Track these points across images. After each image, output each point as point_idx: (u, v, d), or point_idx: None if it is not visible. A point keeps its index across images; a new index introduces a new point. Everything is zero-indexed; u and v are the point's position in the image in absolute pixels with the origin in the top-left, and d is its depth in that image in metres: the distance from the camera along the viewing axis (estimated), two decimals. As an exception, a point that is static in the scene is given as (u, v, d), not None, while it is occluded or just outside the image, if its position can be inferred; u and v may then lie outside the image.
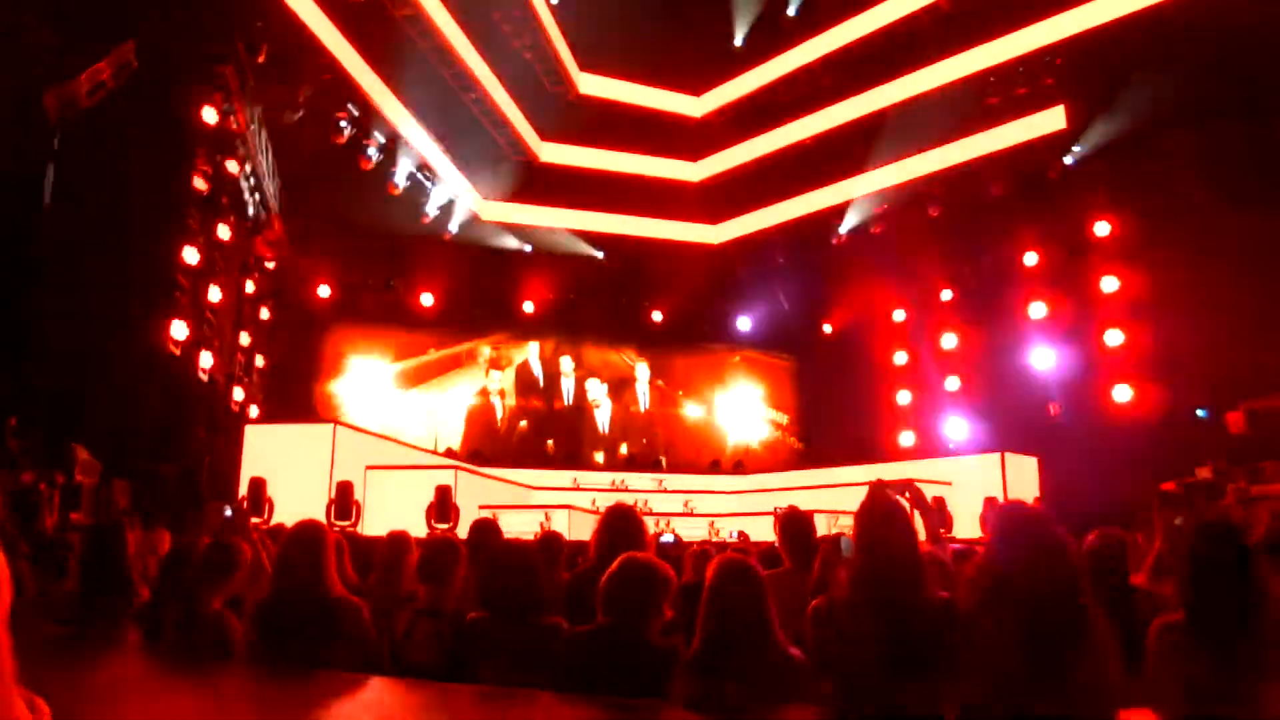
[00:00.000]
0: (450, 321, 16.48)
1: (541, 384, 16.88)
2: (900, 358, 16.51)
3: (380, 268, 15.99)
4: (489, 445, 15.66)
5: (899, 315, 16.47)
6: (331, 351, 15.98)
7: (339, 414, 15.03)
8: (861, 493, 2.67)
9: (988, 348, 14.51)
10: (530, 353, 17.05)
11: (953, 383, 15.40)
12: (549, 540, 4.55)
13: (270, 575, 3.10)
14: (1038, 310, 13.94)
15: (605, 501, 12.09)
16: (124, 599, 3.29)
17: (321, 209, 14.13)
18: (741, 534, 8.43)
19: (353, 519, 9.07)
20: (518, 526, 8.76)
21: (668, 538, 5.96)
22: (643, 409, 17.41)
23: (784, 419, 18.10)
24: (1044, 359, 13.73)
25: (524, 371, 17.02)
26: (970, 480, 10.86)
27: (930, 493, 9.71)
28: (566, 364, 17.15)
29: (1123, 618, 2.25)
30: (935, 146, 13.89)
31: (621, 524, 3.43)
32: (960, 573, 2.57)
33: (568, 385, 17.04)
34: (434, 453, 13.07)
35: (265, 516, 8.62)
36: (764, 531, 8.02)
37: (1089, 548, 3.24)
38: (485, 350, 16.83)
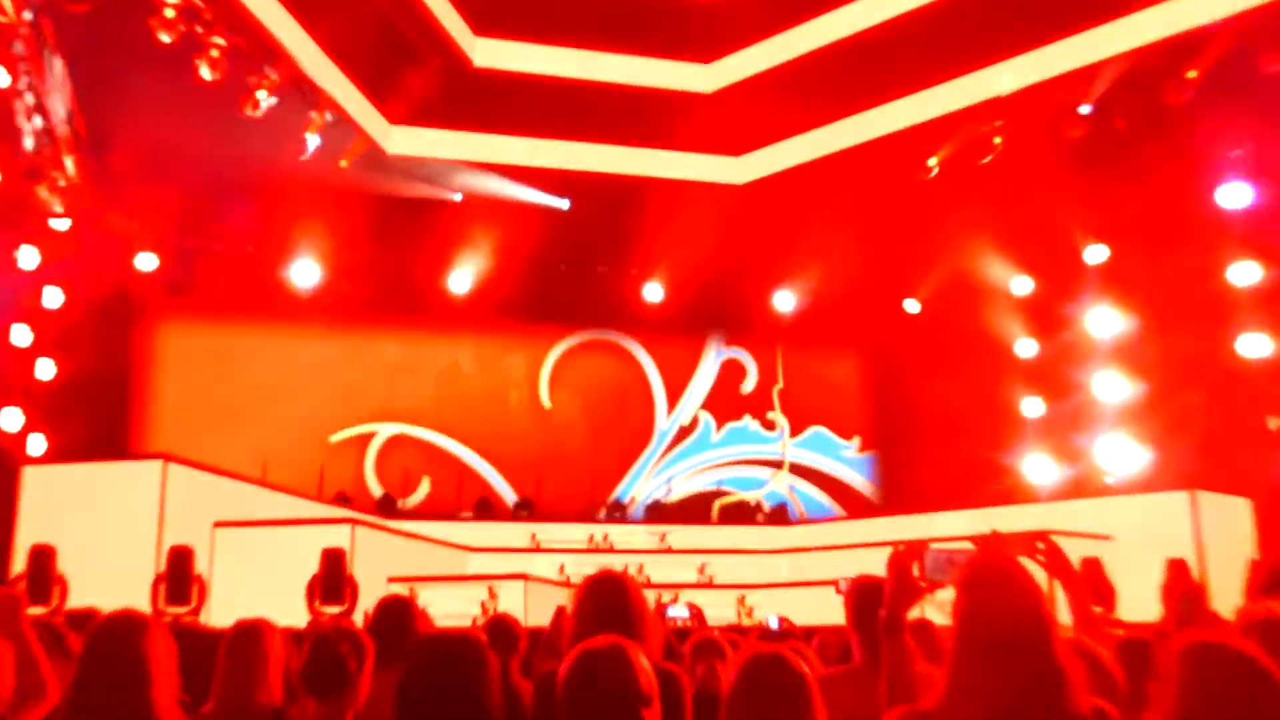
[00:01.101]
0: (340, 306, 16.75)
1: (542, 399, 17.50)
2: (1025, 348, 16.68)
3: (234, 227, 16.08)
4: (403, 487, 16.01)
5: (1022, 285, 16.60)
6: (159, 352, 16.17)
7: (171, 446, 14.92)
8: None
9: (1164, 332, 14.50)
10: (461, 351, 17.49)
11: (1109, 384, 15.38)
12: (501, 629, 4.88)
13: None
14: (1246, 274, 13.84)
15: (579, 568, 12.79)
16: None
17: (143, 142, 14.12)
18: (783, 619, 8.48)
19: (193, 602, 9.13)
20: (448, 606, 9.20)
21: (678, 610, 6.15)
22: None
23: (849, 443, 18.37)
24: (1257, 347, 13.69)
25: (453, 378, 17.36)
26: (1142, 533, 10.95)
27: (1077, 552, 9.67)
28: (518, 368, 17.55)
29: None
30: (1086, 27, 13.66)
31: (610, 600, 3.61)
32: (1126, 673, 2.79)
33: (517, 398, 17.53)
34: (319, 499, 13.31)
35: (54, 604, 8.68)
36: (821, 610, 8.30)
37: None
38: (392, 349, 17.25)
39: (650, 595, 6.42)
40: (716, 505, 17.49)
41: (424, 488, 16.71)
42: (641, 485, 17.57)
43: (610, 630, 3.24)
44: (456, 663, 2.98)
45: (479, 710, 2.93)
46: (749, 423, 18.37)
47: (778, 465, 18.15)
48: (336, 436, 16.73)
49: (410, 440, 17.03)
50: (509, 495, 16.76)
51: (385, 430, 16.95)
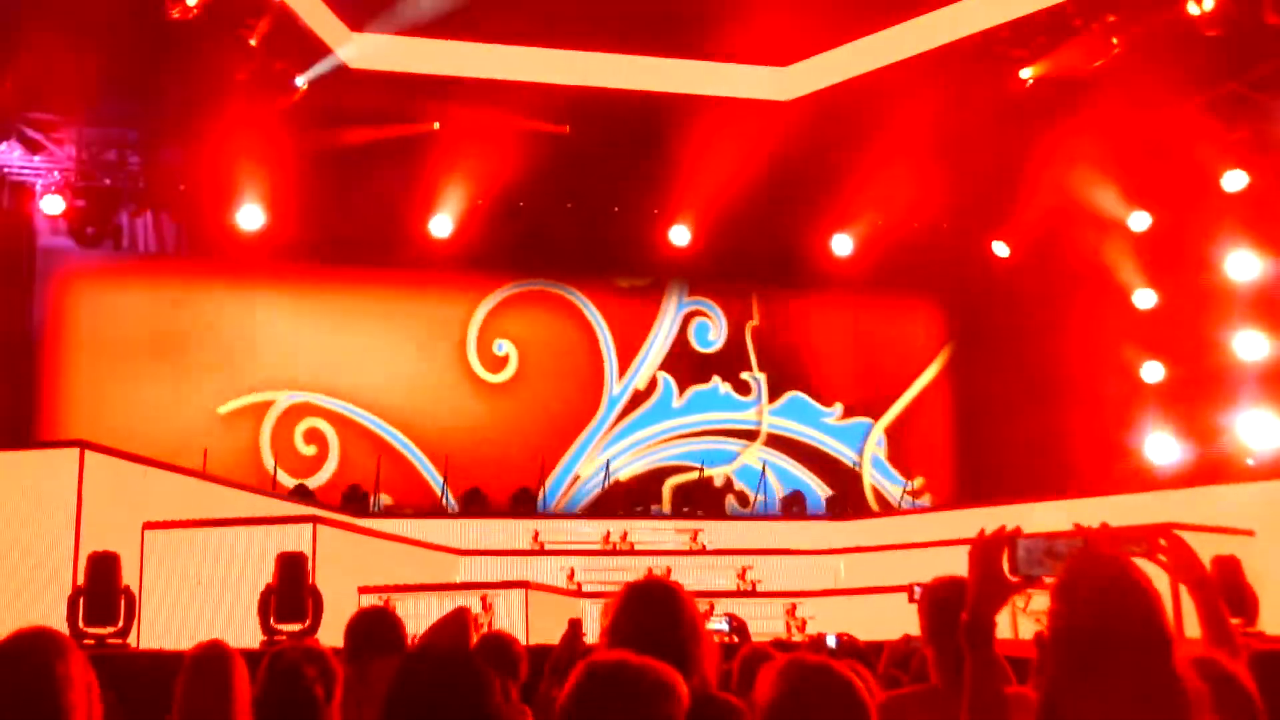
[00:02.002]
0: (300, 254, 16.84)
1: (472, 363, 17.37)
2: (1145, 298, 16.67)
3: (163, 161, 16.07)
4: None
5: (1139, 221, 16.54)
6: (71, 315, 16.22)
7: (90, 431, 15.02)
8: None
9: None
10: (446, 308, 17.65)
11: (1251, 344, 15.42)
12: (498, 649, 4.94)
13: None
14: None
15: (592, 574, 12.88)
16: None
17: (43, 53, 13.93)
18: (842, 635, 8.57)
19: (120, 621, 9.11)
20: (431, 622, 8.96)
21: (716, 624, 6.27)
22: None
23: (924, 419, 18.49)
24: None
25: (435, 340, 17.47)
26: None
27: (1210, 550, 9.66)
28: (509, 332, 17.61)
29: None
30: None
31: (656, 619, 3.58)
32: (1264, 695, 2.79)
33: (512, 364, 17.49)
34: (272, 492, 13.39)
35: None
36: (890, 622, 8.19)
37: None
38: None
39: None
40: (668, 485, 17.66)
41: (330, 467, 16.78)
42: (587, 462, 17.66)
43: (652, 645, 3.22)
44: (449, 686, 2.97)
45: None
46: (718, 385, 18.38)
47: (742, 434, 18.24)
48: (226, 407, 16.72)
49: (316, 410, 17.01)
50: (432, 477, 16.83)
51: (284, 399, 16.94)
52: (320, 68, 15.70)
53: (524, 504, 15.78)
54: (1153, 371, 16.60)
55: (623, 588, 3.75)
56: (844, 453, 18.53)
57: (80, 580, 9.20)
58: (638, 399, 17.78)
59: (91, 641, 8.75)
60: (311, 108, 15.85)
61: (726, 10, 16.07)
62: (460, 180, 16.80)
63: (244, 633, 8.92)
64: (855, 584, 12.51)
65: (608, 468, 17.32)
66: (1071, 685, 2.50)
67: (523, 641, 5.43)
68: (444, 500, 16.11)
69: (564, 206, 17.65)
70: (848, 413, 18.65)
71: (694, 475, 17.39)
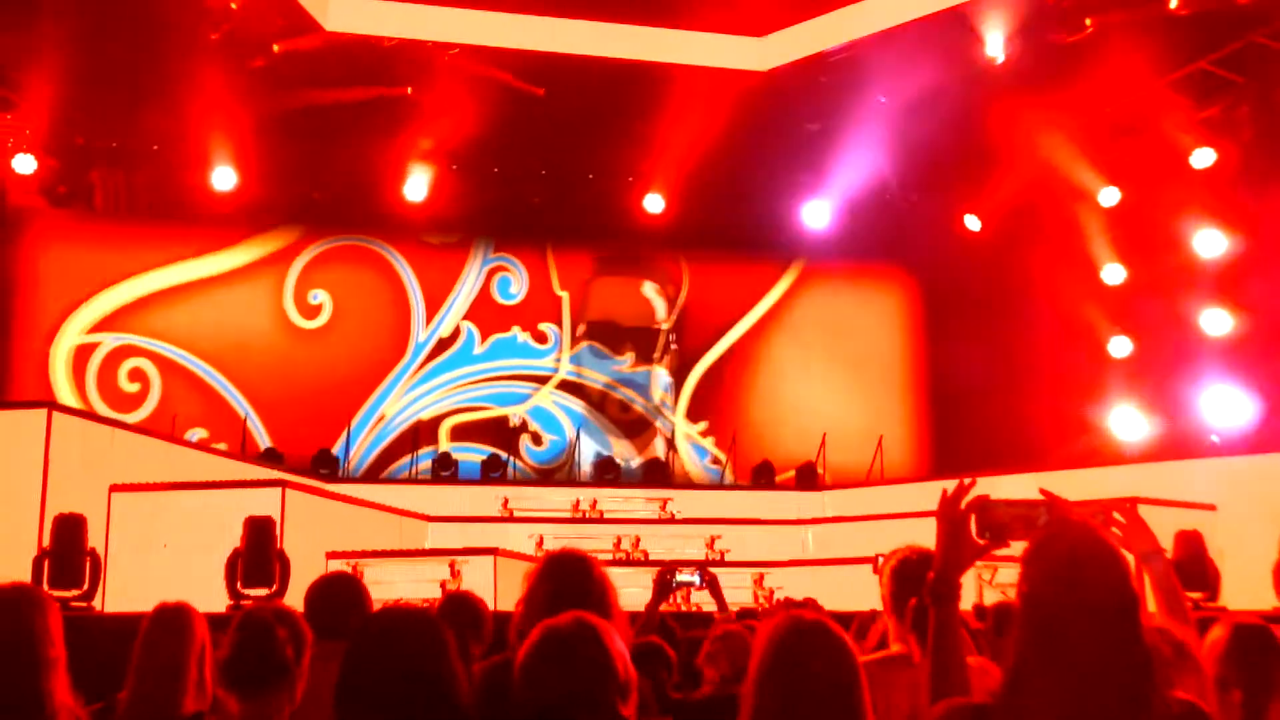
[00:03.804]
0: (273, 220, 17.12)
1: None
2: (1113, 274, 16.70)
3: (137, 122, 16.00)
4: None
5: (1109, 197, 16.55)
6: (43, 273, 16.30)
7: (58, 391, 15.37)
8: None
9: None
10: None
11: (1217, 321, 15.47)
12: (461, 607, 4.81)
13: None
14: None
15: (560, 541, 12.78)
16: None
17: (15, 13, 13.89)
18: (810, 600, 8.58)
19: (85, 584, 9.06)
20: (403, 588, 9.14)
21: (688, 575, 6.21)
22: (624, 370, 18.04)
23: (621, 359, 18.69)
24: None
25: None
26: (1254, 502, 10.94)
27: (1173, 525, 9.68)
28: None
29: None
30: None
31: (568, 580, 3.74)
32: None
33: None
34: (241, 457, 13.50)
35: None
36: (856, 592, 8.29)
37: None
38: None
39: (649, 573, 6.46)
40: (445, 426, 17.98)
41: (151, 403, 16.93)
42: (392, 403, 17.98)
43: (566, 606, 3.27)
44: (410, 647, 3.00)
45: (439, 697, 2.95)
46: (517, 334, 18.81)
47: (544, 380, 18.63)
48: (59, 346, 16.84)
49: (140, 351, 17.24)
50: (249, 414, 17.12)
51: (110, 340, 17.11)
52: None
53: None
54: (1120, 347, 16.63)
55: (540, 559, 3.86)
56: (635, 399, 19.09)
57: (46, 542, 9.12)
58: (442, 345, 18.33)
59: (57, 603, 8.69)
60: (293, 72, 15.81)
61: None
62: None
63: (211, 597, 8.78)
64: (823, 555, 12.52)
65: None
66: (1038, 650, 2.46)
67: (490, 605, 5.37)
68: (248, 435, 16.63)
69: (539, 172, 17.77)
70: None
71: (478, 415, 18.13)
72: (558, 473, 17.54)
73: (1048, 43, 15.20)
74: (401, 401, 17.94)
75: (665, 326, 19.03)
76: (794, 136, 17.38)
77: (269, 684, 3.48)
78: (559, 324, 18.71)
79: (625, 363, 18.82)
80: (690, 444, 18.70)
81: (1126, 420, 16.31)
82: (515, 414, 18.23)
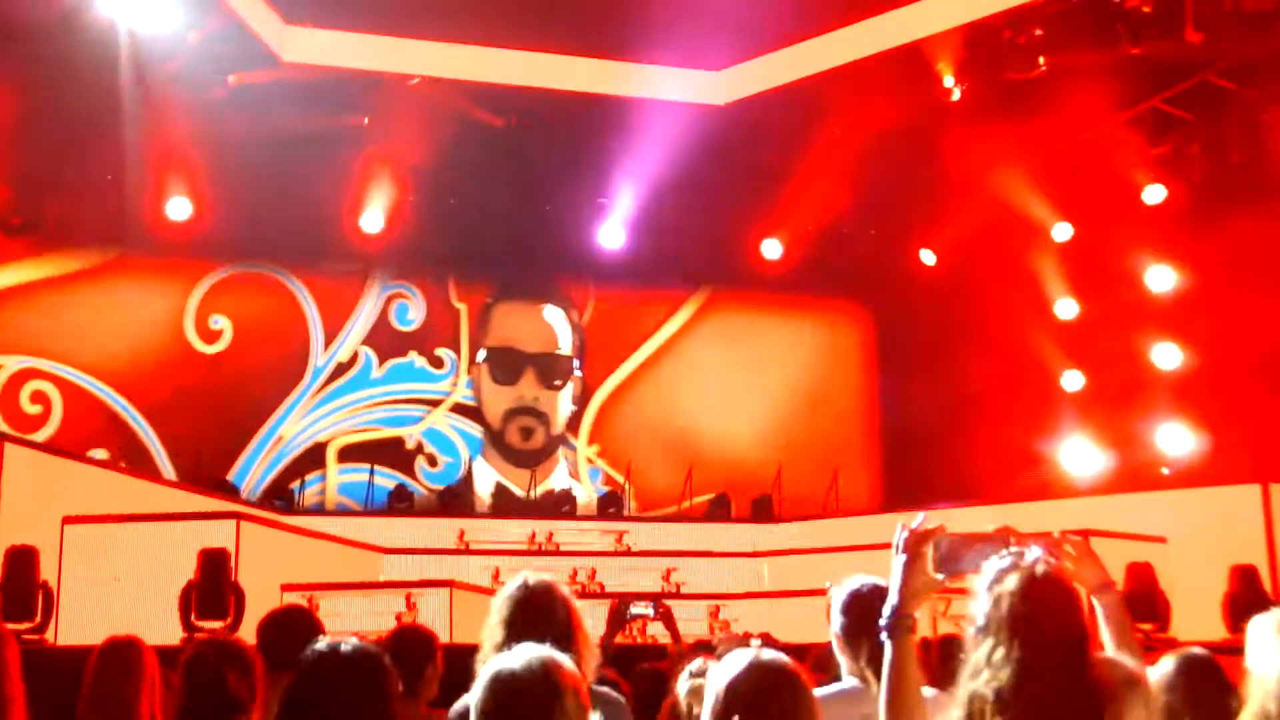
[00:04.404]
0: (225, 251, 17.11)
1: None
2: (1066, 309, 16.78)
3: (88, 148, 15.76)
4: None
5: (1062, 232, 16.68)
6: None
7: (13, 422, 15.34)
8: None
9: (1236, 293, 14.57)
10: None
11: (1168, 355, 15.62)
12: (411, 641, 4.75)
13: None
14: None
15: (516, 574, 12.77)
16: None
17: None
18: (764, 635, 8.55)
19: (37, 617, 9.08)
20: (357, 620, 9.17)
21: (643, 608, 6.21)
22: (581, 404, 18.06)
23: (844, 422, 18.61)
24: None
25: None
26: (1204, 534, 11.10)
27: (1124, 557, 9.76)
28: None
29: None
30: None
31: (535, 612, 3.74)
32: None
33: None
34: (195, 489, 13.30)
35: None
36: (812, 625, 7.93)
37: None
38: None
39: (605, 605, 6.46)
40: (333, 446, 17.97)
41: (53, 424, 16.80)
42: (291, 425, 17.99)
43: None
44: (354, 682, 2.99)
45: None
46: (414, 359, 18.86)
47: (436, 404, 18.66)
48: None
49: (41, 374, 17.13)
50: (150, 437, 17.09)
51: (14, 363, 17.02)
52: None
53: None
54: (1073, 380, 16.71)
55: (507, 588, 3.85)
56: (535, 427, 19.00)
57: (-3, 575, 9.14)
58: (340, 370, 18.38)
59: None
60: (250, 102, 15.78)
61: (659, 14, 16.09)
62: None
63: (165, 629, 8.83)
64: (778, 587, 12.51)
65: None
66: (992, 679, 2.52)
67: (441, 639, 5.34)
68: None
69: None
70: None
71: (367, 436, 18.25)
72: (455, 500, 17.37)
73: (1002, 80, 15.35)
74: (300, 424, 17.97)
75: (568, 353, 19.03)
76: (751, 169, 17.41)
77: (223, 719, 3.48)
78: (456, 350, 18.78)
79: (527, 389, 18.82)
80: (590, 470, 18.70)
81: (1078, 453, 16.37)
82: (410, 435, 18.27)
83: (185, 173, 16.46)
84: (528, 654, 2.81)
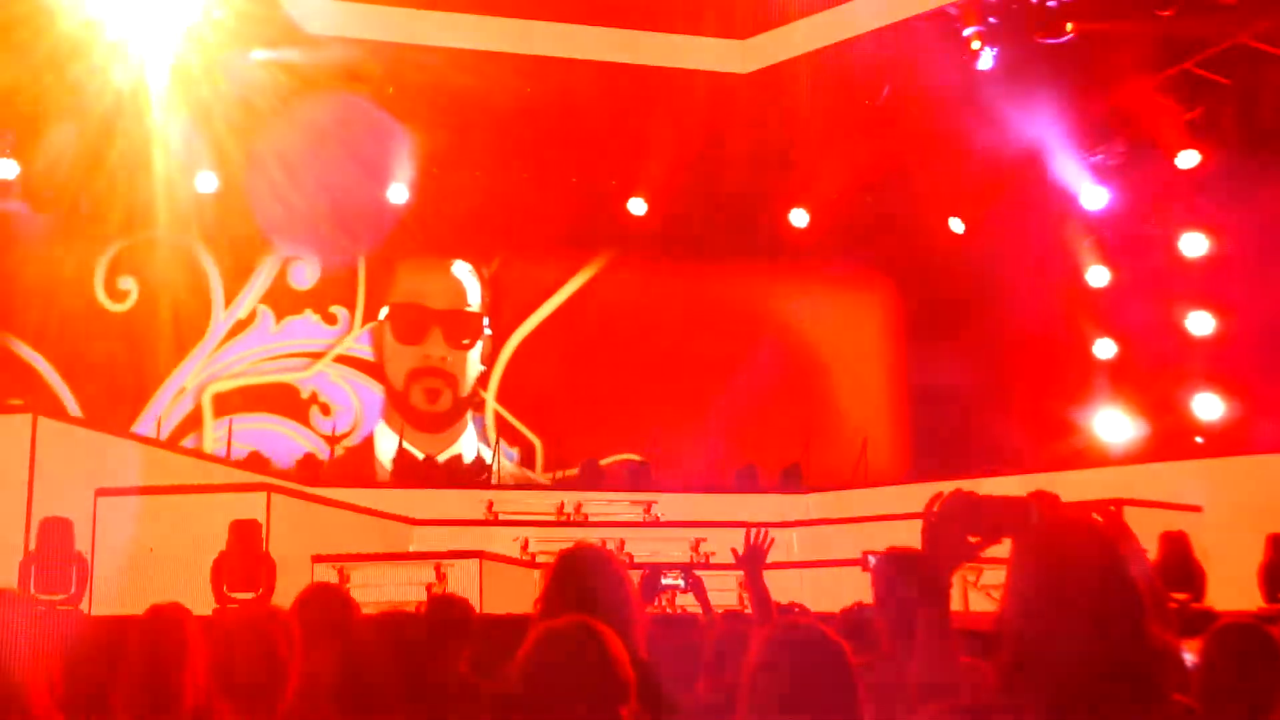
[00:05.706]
0: (246, 222, 17.01)
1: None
2: (1097, 276, 16.75)
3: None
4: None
5: (1094, 199, 16.58)
6: (26, 273, 16.36)
7: (42, 394, 15.32)
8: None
9: (1274, 258, 14.41)
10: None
11: (1203, 322, 15.56)
12: (446, 609, 4.80)
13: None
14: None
15: (544, 544, 12.97)
16: None
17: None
18: (794, 605, 8.60)
19: (71, 587, 9.14)
20: (389, 591, 9.27)
21: (673, 579, 6.25)
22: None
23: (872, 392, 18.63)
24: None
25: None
26: (1239, 504, 11.00)
27: (1157, 526, 9.73)
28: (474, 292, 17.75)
29: None
30: None
31: (583, 578, 3.73)
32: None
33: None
34: (227, 461, 13.43)
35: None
36: (842, 594, 8.18)
37: None
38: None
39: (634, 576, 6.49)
40: (208, 392, 18.19)
41: None
42: (194, 376, 18.26)
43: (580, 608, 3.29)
44: (389, 651, 3.15)
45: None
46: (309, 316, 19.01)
47: (318, 356, 18.82)
48: None
49: None
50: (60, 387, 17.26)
51: None
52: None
53: None
54: (1105, 349, 16.69)
55: (557, 554, 3.87)
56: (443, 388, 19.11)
57: (32, 546, 9.19)
58: (239, 326, 18.63)
59: (43, 607, 8.72)
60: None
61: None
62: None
63: (197, 600, 8.81)
64: (808, 557, 12.52)
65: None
66: (1034, 644, 2.45)
67: (477, 609, 5.38)
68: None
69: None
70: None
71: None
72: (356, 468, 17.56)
73: (1032, 44, 15.25)
74: (201, 376, 18.26)
75: (477, 309, 19.01)
76: (775, 138, 17.35)
77: (263, 687, 3.49)
78: (352, 307, 18.93)
79: (433, 348, 18.85)
80: (500, 435, 18.50)
81: (1111, 422, 16.35)
82: (301, 381, 18.51)
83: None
84: (574, 619, 2.84)
